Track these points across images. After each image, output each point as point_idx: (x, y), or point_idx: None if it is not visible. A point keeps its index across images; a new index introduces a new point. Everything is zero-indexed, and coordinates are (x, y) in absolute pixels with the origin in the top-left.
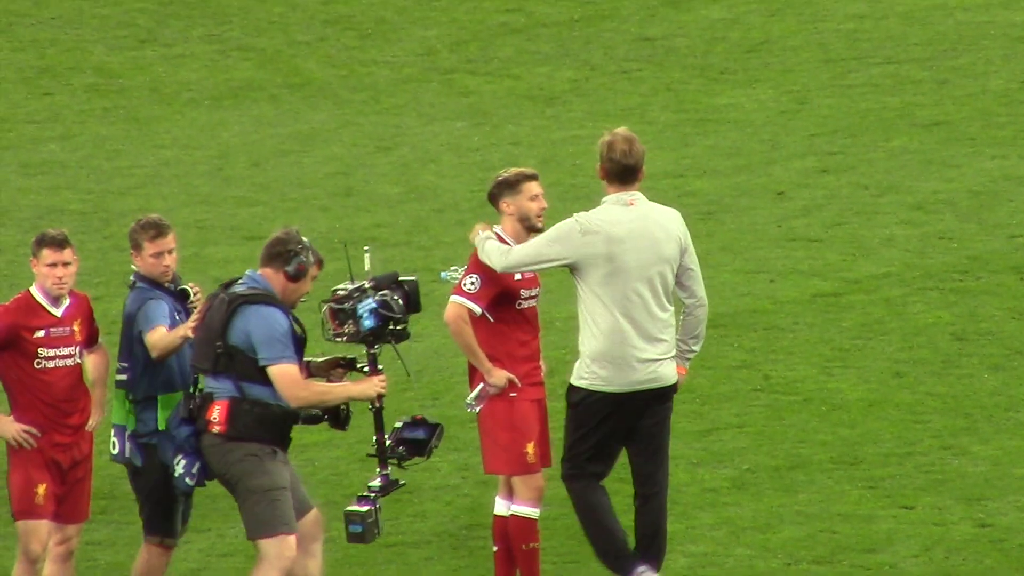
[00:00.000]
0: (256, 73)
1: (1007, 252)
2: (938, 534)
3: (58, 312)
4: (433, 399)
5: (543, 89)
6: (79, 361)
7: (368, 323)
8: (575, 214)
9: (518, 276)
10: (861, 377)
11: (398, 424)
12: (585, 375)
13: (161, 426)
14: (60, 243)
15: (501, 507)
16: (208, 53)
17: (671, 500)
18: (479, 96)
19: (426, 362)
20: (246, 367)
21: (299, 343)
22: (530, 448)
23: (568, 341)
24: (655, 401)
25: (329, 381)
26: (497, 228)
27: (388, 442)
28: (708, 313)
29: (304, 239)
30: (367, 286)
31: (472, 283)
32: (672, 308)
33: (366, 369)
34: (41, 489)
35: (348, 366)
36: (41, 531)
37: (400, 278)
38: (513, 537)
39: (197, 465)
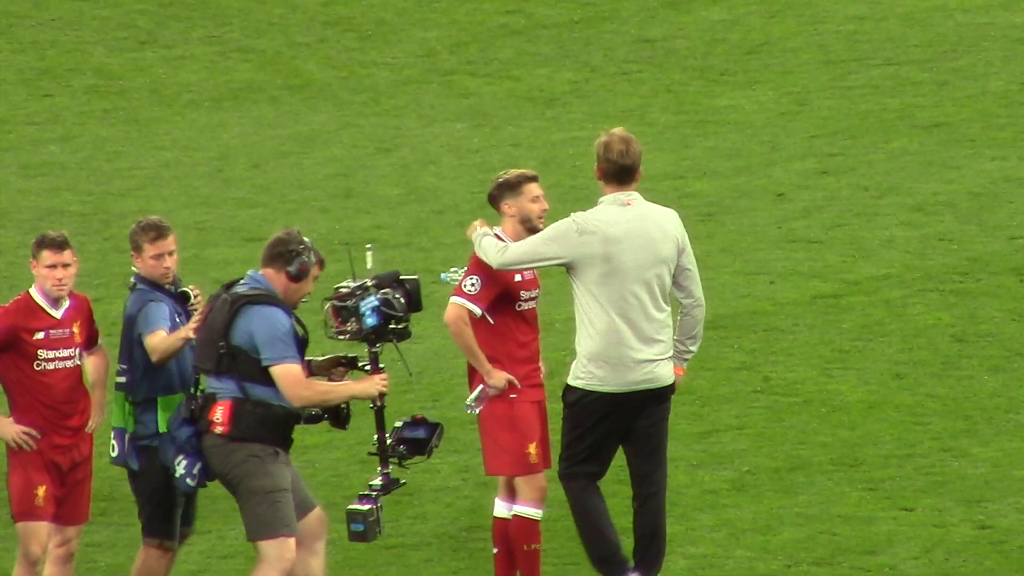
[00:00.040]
0: (256, 75)
1: (1007, 254)
2: (938, 536)
3: (58, 314)
4: (433, 401)
5: (543, 90)
6: (79, 363)
7: (370, 321)
8: (572, 214)
9: (518, 278)
10: (861, 379)
11: (398, 424)
12: (581, 375)
13: (161, 428)
14: (60, 245)
15: (501, 509)
16: (208, 55)
17: (671, 502)
18: (479, 98)
19: (426, 364)
20: (249, 367)
21: (301, 343)
22: (532, 448)
23: (568, 343)
24: (652, 401)
25: (330, 380)
26: (497, 229)
27: (389, 441)
28: (707, 314)
29: (305, 239)
30: (369, 284)
31: (472, 284)
32: (669, 309)
33: (368, 368)
34: (41, 491)
35: (349, 365)
36: (41, 533)
37: (401, 277)
38: (515, 538)
39: (198, 466)
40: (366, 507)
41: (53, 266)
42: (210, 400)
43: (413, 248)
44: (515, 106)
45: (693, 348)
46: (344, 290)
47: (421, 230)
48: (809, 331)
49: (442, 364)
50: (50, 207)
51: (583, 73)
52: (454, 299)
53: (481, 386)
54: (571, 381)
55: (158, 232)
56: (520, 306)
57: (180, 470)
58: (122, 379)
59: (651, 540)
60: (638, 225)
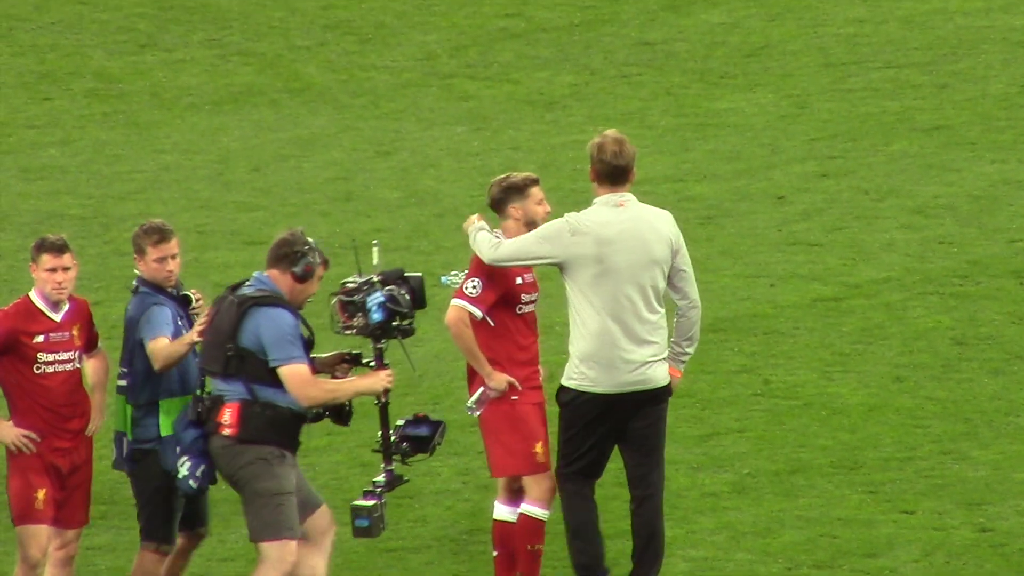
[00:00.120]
0: (256, 78)
1: (1007, 256)
2: (938, 539)
3: (57, 317)
4: (433, 403)
5: (543, 94)
6: (78, 366)
7: (376, 316)
8: (566, 214)
9: (519, 280)
10: (861, 381)
11: (400, 422)
12: (574, 376)
13: (163, 432)
14: (59, 248)
15: (502, 512)
16: (208, 58)
17: (671, 505)
18: (479, 101)
19: (426, 366)
20: (257, 369)
21: (306, 344)
22: (539, 447)
23: (567, 346)
24: (647, 403)
25: (334, 377)
26: (498, 231)
27: (393, 438)
28: (709, 317)
29: (310, 240)
30: (375, 280)
31: (474, 287)
32: (663, 310)
33: (372, 364)
34: (41, 494)
35: (353, 361)
36: (41, 536)
37: (405, 274)
38: (519, 536)
39: (202, 468)
40: (371, 503)
41: (53, 269)
42: (217, 402)
43: (413, 251)
44: (515, 109)
45: (690, 350)
46: (351, 285)
47: (421, 233)
48: (809, 334)
49: (442, 367)
50: (50, 210)
51: (583, 76)
52: (455, 301)
53: (482, 388)
54: (564, 381)
55: (161, 235)
56: (520, 309)
57: (184, 471)
58: (123, 383)
59: (649, 542)
60: (631, 226)
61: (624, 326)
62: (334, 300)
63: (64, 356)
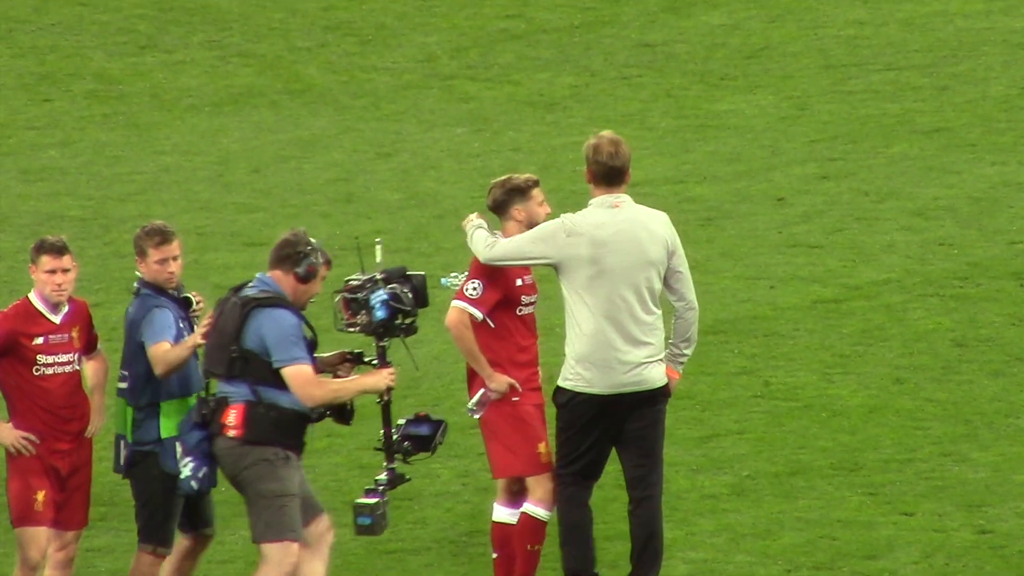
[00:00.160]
0: (256, 79)
1: (1007, 258)
2: (938, 541)
3: (57, 319)
4: (433, 405)
5: (543, 95)
6: (78, 368)
7: (380, 314)
8: (562, 215)
9: (519, 282)
10: (861, 383)
11: (401, 421)
12: (570, 376)
13: (163, 434)
14: (59, 249)
15: (501, 514)
16: (208, 59)
17: (671, 507)
18: (479, 102)
19: (426, 368)
20: (261, 370)
21: (309, 345)
22: (542, 448)
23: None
24: (643, 404)
25: (336, 376)
26: (497, 232)
27: (395, 437)
28: (709, 319)
29: (313, 240)
30: (379, 277)
31: (474, 288)
32: (659, 311)
33: (375, 362)
34: (40, 496)
35: (355, 360)
36: (40, 538)
37: (408, 272)
38: (520, 535)
39: (204, 470)
40: (373, 501)
41: (52, 271)
42: (222, 404)
43: (413, 253)
44: (515, 111)
45: (687, 351)
46: (354, 282)
47: (421, 235)
48: (809, 336)
49: (442, 369)
50: (50, 212)
51: (583, 77)
52: (456, 303)
53: (483, 390)
54: (560, 383)
55: (163, 237)
56: (521, 310)
57: (186, 472)
58: (123, 385)
59: (647, 543)
60: (626, 227)
61: (619, 327)
62: (338, 298)
63: (64, 358)
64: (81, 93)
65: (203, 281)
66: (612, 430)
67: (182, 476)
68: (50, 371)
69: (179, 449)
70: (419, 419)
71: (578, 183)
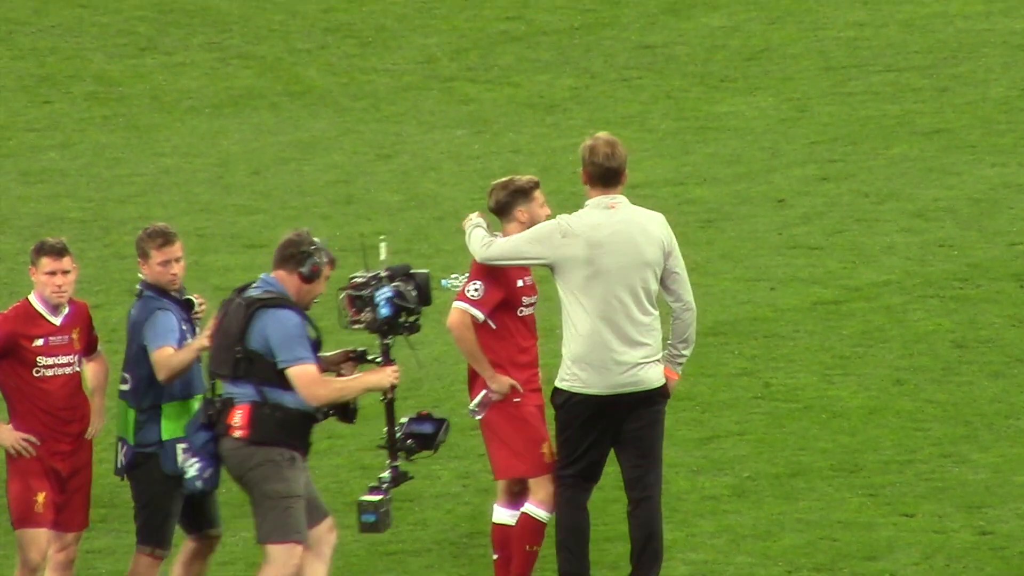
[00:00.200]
0: (256, 81)
1: (1007, 260)
2: (939, 542)
3: (57, 320)
4: (434, 407)
5: (543, 97)
6: (78, 369)
7: (384, 311)
8: (558, 216)
9: (520, 283)
10: (861, 384)
11: (403, 419)
12: (567, 377)
13: (164, 436)
14: (59, 251)
15: (501, 515)
16: (208, 61)
17: (671, 508)
18: (479, 104)
19: (427, 369)
20: (266, 371)
21: (314, 345)
22: (546, 448)
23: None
24: (640, 404)
25: (340, 375)
26: (497, 233)
27: (398, 435)
28: (709, 320)
29: (316, 240)
30: (383, 275)
31: (476, 290)
32: (656, 312)
33: (379, 360)
34: (40, 497)
35: (358, 359)
36: (40, 540)
37: (411, 271)
38: (519, 535)
39: (210, 471)
40: (377, 498)
41: (52, 273)
42: (227, 405)
43: (413, 254)
44: (515, 112)
45: (686, 352)
46: (359, 280)
47: (421, 236)
48: (809, 337)
49: (443, 370)
50: (50, 214)
51: (583, 79)
52: (457, 304)
53: (484, 391)
54: (558, 383)
55: (165, 239)
56: (521, 311)
57: (192, 472)
58: (125, 387)
59: (646, 543)
60: (622, 228)
61: (615, 328)
62: (342, 295)
63: (64, 360)
64: (81, 95)
65: (203, 283)
66: (610, 431)
67: (188, 476)
68: (50, 373)
69: (179, 451)
70: (421, 418)
71: (578, 185)
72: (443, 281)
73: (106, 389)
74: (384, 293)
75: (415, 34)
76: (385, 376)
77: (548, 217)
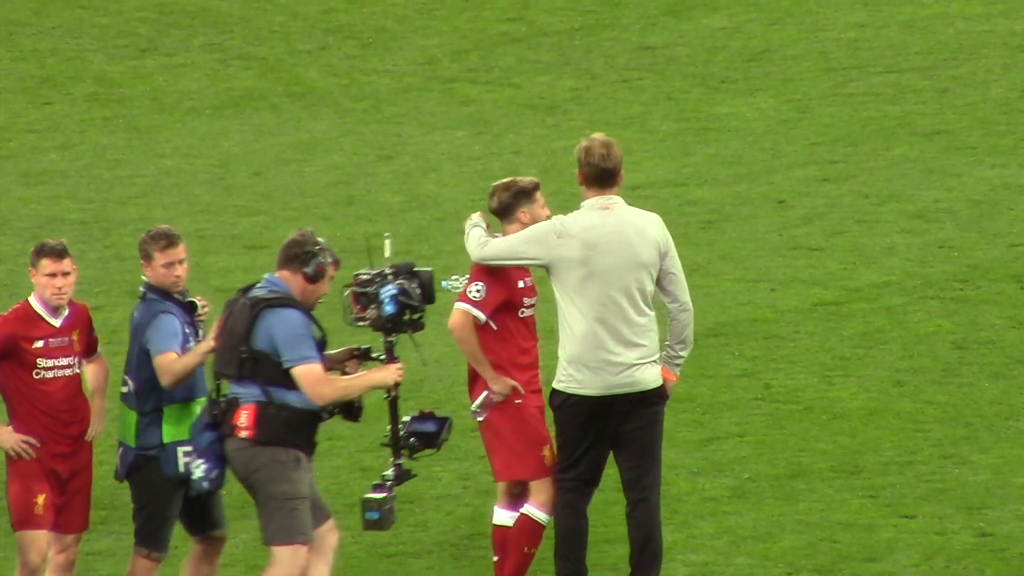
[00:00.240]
0: (257, 82)
1: (1007, 261)
2: (939, 543)
3: (57, 322)
4: (435, 407)
5: (544, 98)
6: (78, 371)
7: (389, 309)
8: (555, 216)
9: (521, 284)
10: (862, 386)
11: (406, 418)
12: (563, 378)
13: (165, 439)
14: (59, 253)
15: (501, 517)
16: (209, 62)
17: (671, 509)
18: (480, 105)
19: (428, 370)
20: (271, 371)
21: (319, 345)
22: (547, 451)
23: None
24: (637, 405)
25: (344, 373)
26: (498, 234)
27: (401, 433)
28: (709, 321)
29: (320, 240)
30: (387, 272)
31: (477, 291)
32: (652, 313)
33: (383, 358)
34: (40, 499)
35: (363, 356)
36: (40, 541)
37: (415, 268)
38: (517, 536)
39: (216, 472)
40: (381, 495)
41: (52, 274)
42: (233, 405)
43: (414, 255)
44: (516, 114)
45: (684, 353)
46: (364, 277)
47: (422, 237)
48: (810, 338)
49: (443, 371)
50: (50, 215)
51: (584, 80)
52: (459, 305)
53: (485, 392)
54: (554, 384)
55: (168, 240)
56: (522, 312)
57: (199, 473)
58: (126, 390)
59: (645, 544)
60: (617, 229)
61: (611, 329)
62: (347, 292)
63: (64, 361)
64: (81, 96)
65: (204, 284)
66: (608, 432)
67: (194, 477)
68: (50, 374)
69: (180, 454)
70: (424, 416)
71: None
72: (443, 283)
73: (106, 391)
74: (389, 290)
75: (416, 35)
76: (389, 374)
77: (548, 218)
